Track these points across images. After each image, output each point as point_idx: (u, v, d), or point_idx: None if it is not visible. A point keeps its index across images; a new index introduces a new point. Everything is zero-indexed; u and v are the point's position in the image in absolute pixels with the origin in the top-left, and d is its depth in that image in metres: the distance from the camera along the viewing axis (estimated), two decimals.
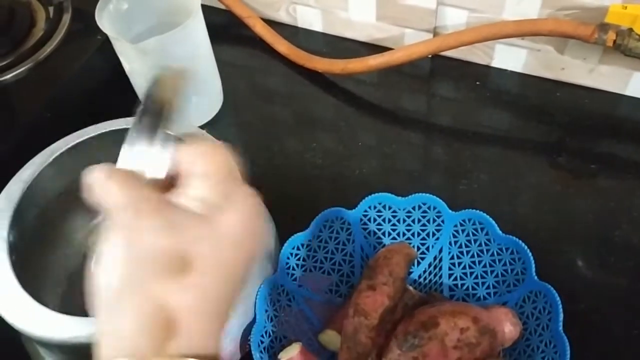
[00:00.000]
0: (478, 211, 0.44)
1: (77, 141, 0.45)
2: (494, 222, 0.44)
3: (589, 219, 0.51)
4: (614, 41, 0.50)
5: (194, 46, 0.54)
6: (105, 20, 0.51)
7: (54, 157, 0.43)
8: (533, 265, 0.42)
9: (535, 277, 0.42)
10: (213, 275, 0.25)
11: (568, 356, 0.37)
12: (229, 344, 0.41)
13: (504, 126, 0.59)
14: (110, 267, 0.25)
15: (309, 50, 0.64)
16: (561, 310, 0.39)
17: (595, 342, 0.44)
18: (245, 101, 0.64)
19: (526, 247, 0.42)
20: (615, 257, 0.49)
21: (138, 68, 0.54)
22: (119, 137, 0.45)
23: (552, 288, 0.40)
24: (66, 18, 0.62)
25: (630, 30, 0.49)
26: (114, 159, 0.47)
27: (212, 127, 0.61)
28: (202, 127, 0.60)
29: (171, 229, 0.25)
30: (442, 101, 0.62)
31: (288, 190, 0.55)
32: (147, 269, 0.24)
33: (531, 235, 0.48)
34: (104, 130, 0.45)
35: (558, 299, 0.40)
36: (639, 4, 0.48)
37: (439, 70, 0.63)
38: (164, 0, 0.55)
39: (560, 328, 0.39)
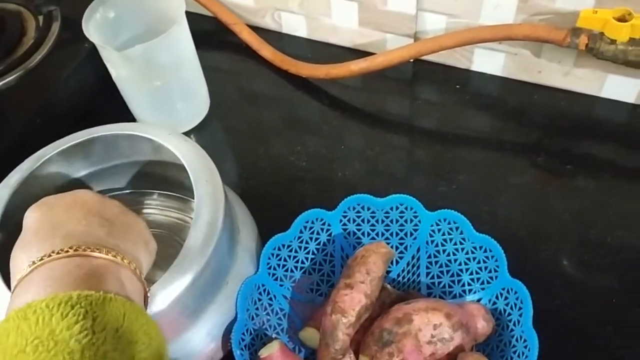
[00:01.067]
0: (453, 211, 0.46)
1: (65, 147, 0.46)
2: (468, 221, 0.45)
3: (566, 218, 0.52)
4: (586, 45, 0.51)
5: (179, 53, 0.55)
6: (92, 29, 0.53)
7: (41, 162, 0.44)
8: (505, 263, 0.43)
9: (508, 275, 0.43)
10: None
11: (537, 350, 0.38)
12: (210, 342, 0.42)
13: (484, 128, 0.60)
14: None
15: (294, 56, 0.66)
16: (531, 306, 0.40)
17: (570, 337, 0.45)
18: (231, 106, 0.65)
19: (498, 245, 0.44)
20: (591, 254, 0.50)
21: (125, 75, 0.56)
22: (106, 142, 0.47)
23: (523, 285, 0.42)
24: (55, 27, 0.63)
25: (602, 34, 0.51)
26: (101, 164, 0.49)
27: (199, 132, 0.62)
28: (189, 132, 0.62)
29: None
30: (423, 104, 0.63)
31: (272, 192, 0.57)
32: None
33: (509, 234, 0.50)
34: (91, 136, 0.46)
35: (528, 295, 0.41)
36: (609, 8, 0.50)
37: (421, 74, 0.65)
38: (150, 9, 0.57)
39: (530, 323, 0.40)
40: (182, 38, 0.55)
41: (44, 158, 0.44)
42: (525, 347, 0.39)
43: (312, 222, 0.47)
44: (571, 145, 0.57)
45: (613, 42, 0.50)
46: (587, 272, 0.49)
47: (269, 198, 0.56)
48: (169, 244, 0.50)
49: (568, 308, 0.47)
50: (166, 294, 0.37)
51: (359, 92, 0.65)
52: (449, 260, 0.46)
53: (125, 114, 0.61)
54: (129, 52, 0.51)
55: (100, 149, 0.48)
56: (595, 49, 0.51)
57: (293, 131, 0.62)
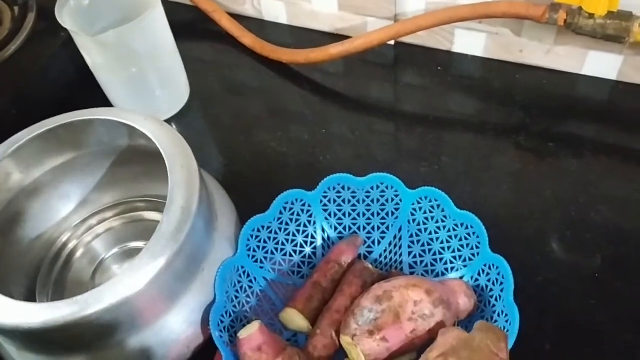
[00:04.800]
0: (433, 188, 0.45)
1: (40, 131, 0.45)
2: (449, 198, 0.45)
3: (548, 196, 0.52)
4: (565, 20, 0.51)
5: (155, 38, 0.54)
6: (65, 16, 0.52)
7: (15, 147, 0.44)
8: (487, 239, 0.43)
9: (489, 251, 0.43)
10: None
11: (517, 324, 0.38)
12: (188, 327, 0.41)
13: (466, 109, 0.60)
14: None
15: (276, 43, 0.65)
16: (512, 280, 0.40)
17: (553, 312, 0.45)
18: (212, 94, 0.64)
19: (479, 221, 0.43)
20: (573, 231, 0.50)
21: (100, 62, 0.55)
22: (82, 128, 0.47)
23: (504, 260, 0.41)
24: (31, 17, 0.63)
25: (580, 8, 0.50)
26: (77, 151, 0.48)
27: (179, 120, 0.62)
28: (169, 120, 0.61)
29: None
30: (405, 87, 0.63)
31: (254, 179, 0.56)
32: None
33: (492, 213, 0.50)
34: (67, 121, 0.46)
35: (509, 269, 0.41)
36: None
37: (402, 57, 0.64)
38: None
39: (511, 298, 0.39)
40: (158, 24, 0.54)
41: (19, 143, 0.44)
42: (507, 321, 0.39)
43: (292, 203, 0.47)
44: (553, 124, 0.57)
45: (591, 16, 0.50)
46: (570, 248, 0.49)
47: (250, 185, 0.56)
48: None
49: (551, 284, 0.47)
50: (139, 278, 0.36)
51: (341, 77, 0.65)
52: (431, 239, 0.46)
53: (103, 103, 0.60)
54: (102, 37, 0.51)
55: (76, 135, 0.47)
56: (574, 24, 0.51)
57: (275, 118, 0.62)
